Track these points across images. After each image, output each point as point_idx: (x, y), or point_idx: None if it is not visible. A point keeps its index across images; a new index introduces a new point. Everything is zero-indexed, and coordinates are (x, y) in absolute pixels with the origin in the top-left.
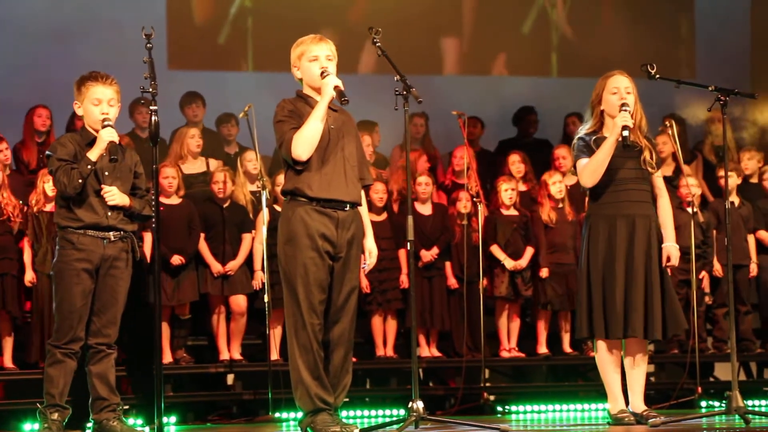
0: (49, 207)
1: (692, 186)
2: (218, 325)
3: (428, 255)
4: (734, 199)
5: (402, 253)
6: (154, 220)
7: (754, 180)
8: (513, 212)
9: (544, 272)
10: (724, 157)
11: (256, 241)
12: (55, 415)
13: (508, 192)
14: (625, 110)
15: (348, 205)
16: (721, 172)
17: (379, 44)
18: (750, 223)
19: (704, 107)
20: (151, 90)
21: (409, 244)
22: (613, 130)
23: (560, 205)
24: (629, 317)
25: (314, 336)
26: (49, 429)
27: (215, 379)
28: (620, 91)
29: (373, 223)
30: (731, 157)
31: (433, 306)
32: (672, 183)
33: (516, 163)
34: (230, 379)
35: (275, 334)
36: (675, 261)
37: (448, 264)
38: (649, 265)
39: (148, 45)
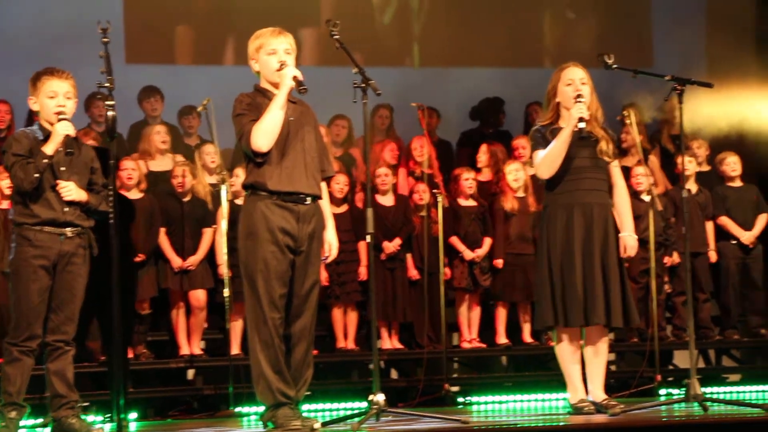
0: (5, 204)
1: (640, 176)
2: (178, 320)
3: (390, 247)
4: (692, 186)
5: (362, 246)
6: (112, 215)
7: (705, 168)
8: (472, 203)
9: (499, 263)
10: (680, 146)
11: (217, 235)
12: (13, 414)
13: (468, 182)
14: (580, 102)
15: (309, 198)
16: (681, 160)
17: (337, 37)
18: (708, 209)
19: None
20: (107, 85)
21: (369, 236)
22: (569, 122)
23: (521, 195)
24: (590, 305)
25: (275, 330)
26: (6, 428)
27: (176, 375)
28: (575, 82)
29: (334, 215)
30: (685, 146)
31: (395, 298)
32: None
33: (482, 153)
34: (191, 374)
35: (236, 329)
36: (632, 251)
37: (409, 256)
38: (605, 254)
39: (105, 39)
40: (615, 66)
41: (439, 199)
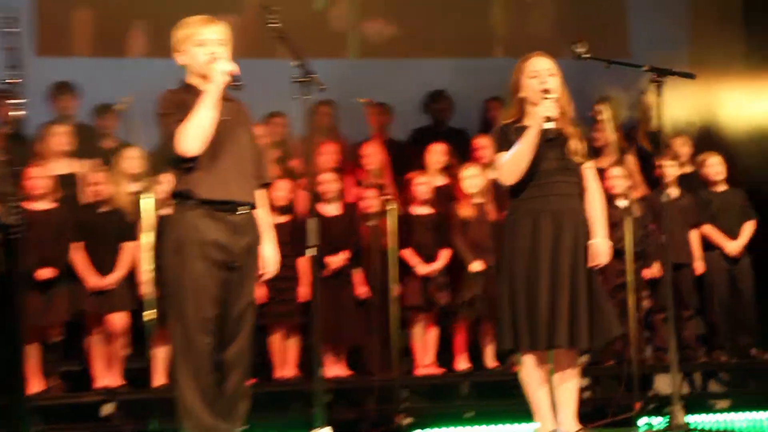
0: None
1: (616, 178)
2: (94, 347)
3: (335, 262)
4: (673, 190)
5: (304, 261)
6: (18, 229)
7: (688, 169)
8: (427, 210)
9: (475, 266)
10: (659, 144)
11: (138, 251)
12: None
13: (421, 187)
14: (548, 98)
15: (244, 207)
16: (660, 161)
17: (276, 25)
18: (692, 216)
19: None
20: (13, 81)
21: (311, 250)
22: (535, 120)
23: (479, 201)
24: (555, 326)
25: (205, 357)
26: None
27: (92, 409)
28: (541, 74)
29: (274, 226)
30: (665, 145)
31: (341, 319)
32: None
33: (437, 153)
34: (109, 408)
35: (160, 356)
36: (604, 259)
37: (357, 271)
38: (575, 266)
39: (10, 29)
40: (586, 56)
41: (391, 207)
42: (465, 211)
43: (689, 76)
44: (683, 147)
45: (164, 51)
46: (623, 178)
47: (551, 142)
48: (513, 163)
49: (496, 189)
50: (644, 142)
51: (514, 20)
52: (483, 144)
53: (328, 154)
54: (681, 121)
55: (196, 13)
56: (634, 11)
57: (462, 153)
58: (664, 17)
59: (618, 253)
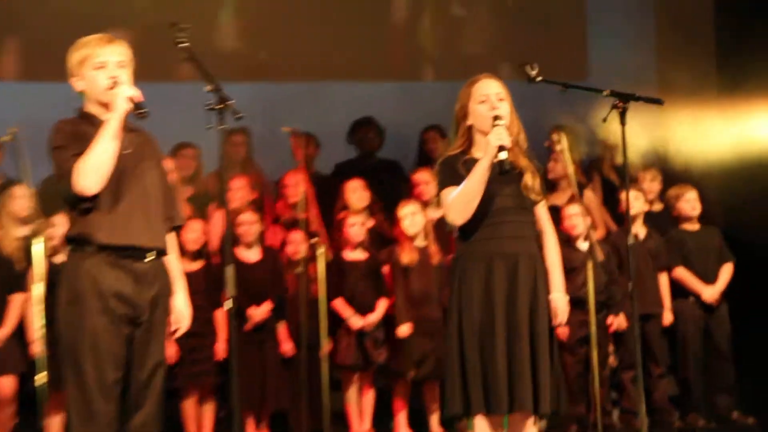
0: None
1: (574, 216)
2: None
3: (257, 314)
4: (640, 230)
5: (221, 314)
6: None
7: (658, 206)
8: (361, 255)
9: (403, 329)
10: (624, 178)
11: (28, 304)
12: None
13: (354, 228)
14: (499, 125)
15: (151, 253)
16: (625, 196)
17: (185, 44)
18: (662, 259)
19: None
20: None
21: (228, 301)
22: (486, 151)
23: (421, 244)
24: (514, 386)
25: (107, 428)
26: None
27: None
28: (490, 98)
29: (186, 274)
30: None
31: (264, 380)
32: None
33: (358, 190)
34: None
35: (54, 426)
36: (562, 317)
37: (281, 325)
38: (535, 320)
39: None
40: (539, 78)
41: (320, 251)
42: (406, 255)
43: (656, 101)
44: (653, 182)
45: (42, 73)
46: (583, 216)
47: (505, 175)
48: (462, 201)
49: (439, 229)
50: (611, 175)
51: (443, 39)
52: (423, 179)
53: (241, 190)
54: (648, 152)
55: (78, 29)
56: (593, 28)
57: (396, 188)
58: (628, 35)
59: (579, 302)
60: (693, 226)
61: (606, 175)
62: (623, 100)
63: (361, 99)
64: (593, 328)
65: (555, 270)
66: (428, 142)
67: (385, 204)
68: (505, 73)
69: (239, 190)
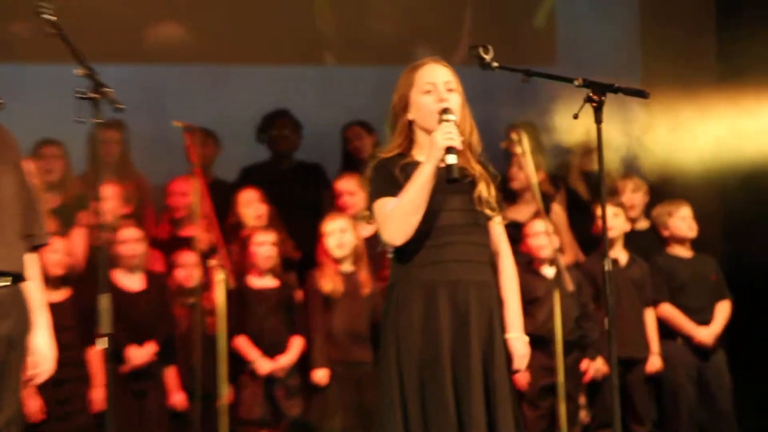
0: None
1: (539, 234)
2: None
3: (138, 356)
4: (620, 254)
5: (94, 354)
6: None
7: (643, 224)
8: (271, 282)
9: (319, 375)
10: (600, 188)
11: None
12: None
13: (263, 248)
14: (448, 120)
15: (5, 279)
16: (600, 212)
17: (49, 17)
18: (647, 291)
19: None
20: None
21: (102, 339)
22: (431, 153)
23: (348, 270)
24: None
25: None
26: None
27: None
28: (437, 88)
29: (49, 306)
30: (609, 190)
31: None
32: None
33: (253, 203)
34: None
35: None
36: (520, 362)
37: (170, 370)
38: (490, 364)
39: None
40: (496, 65)
41: (219, 277)
42: (328, 283)
43: (641, 94)
44: (635, 194)
45: None
46: (549, 235)
47: (453, 184)
48: (401, 215)
49: (369, 250)
50: (577, 184)
51: (344, 19)
52: (348, 188)
53: (112, 200)
54: (629, 156)
55: None
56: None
57: (315, 201)
58: (606, 11)
59: (543, 341)
60: (684, 253)
61: (573, 187)
62: (599, 92)
63: (274, 86)
64: (561, 376)
65: (512, 302)
66: (351, 141)
67: (306, 218)
68: (415, 57)
69: (109, 201)
